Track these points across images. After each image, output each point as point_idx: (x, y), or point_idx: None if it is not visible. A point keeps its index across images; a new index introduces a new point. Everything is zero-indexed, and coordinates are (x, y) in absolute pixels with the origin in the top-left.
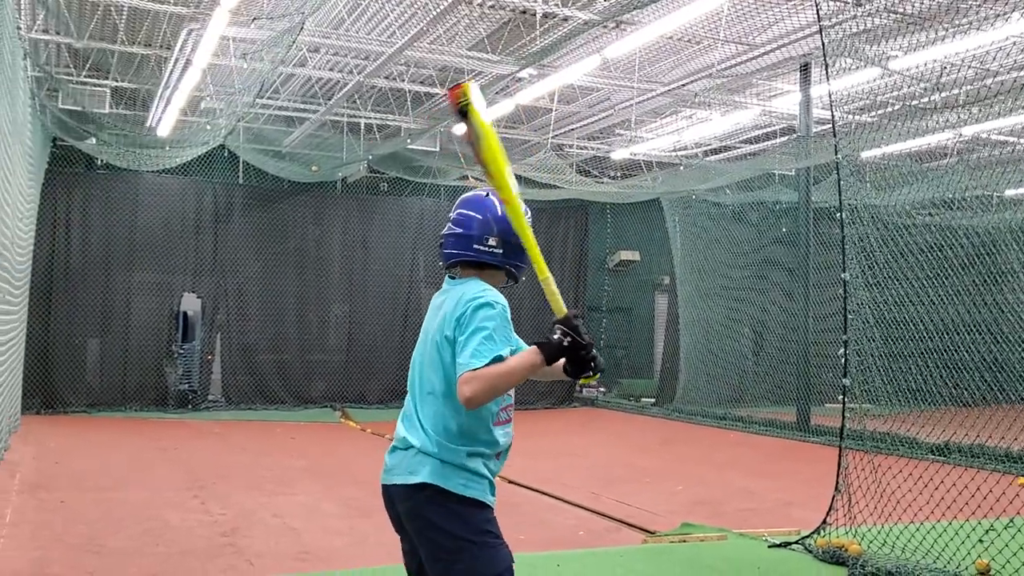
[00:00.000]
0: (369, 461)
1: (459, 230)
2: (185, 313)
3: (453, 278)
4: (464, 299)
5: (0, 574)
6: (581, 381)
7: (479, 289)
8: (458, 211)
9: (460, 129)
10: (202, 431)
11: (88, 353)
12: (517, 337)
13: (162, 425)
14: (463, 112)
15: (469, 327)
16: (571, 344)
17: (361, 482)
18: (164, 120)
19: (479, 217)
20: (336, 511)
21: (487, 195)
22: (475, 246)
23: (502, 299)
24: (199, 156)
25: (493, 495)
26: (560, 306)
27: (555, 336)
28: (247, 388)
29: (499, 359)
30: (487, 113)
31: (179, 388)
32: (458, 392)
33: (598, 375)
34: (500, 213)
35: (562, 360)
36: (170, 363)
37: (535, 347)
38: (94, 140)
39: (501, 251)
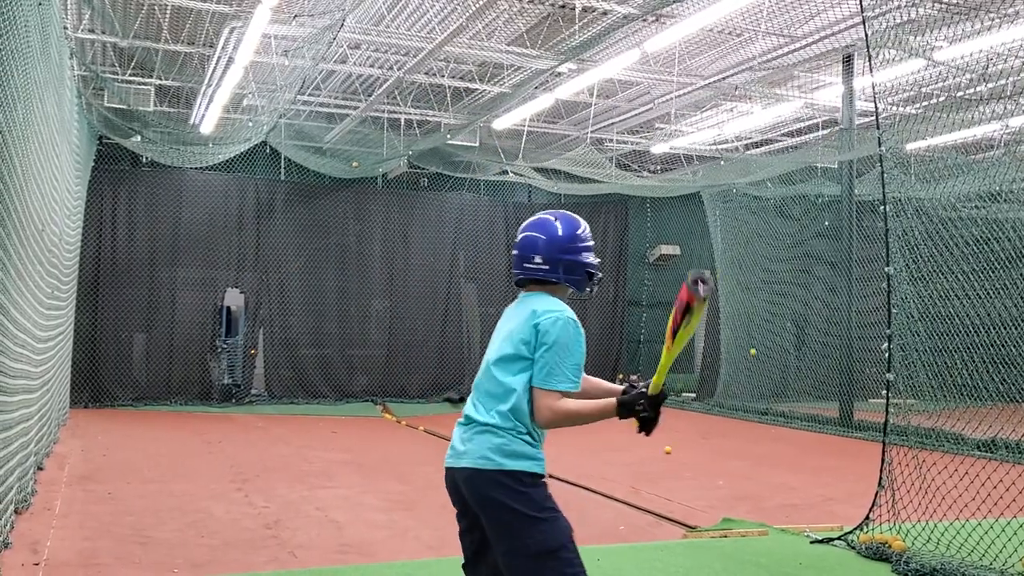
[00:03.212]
0: (410, 455)
1: (516, 251)
2: (228, 308)
3: (524, 293)
4: (539, 311)
5: (50, 564)
6: (636, 430)
7: (552, 304)
8: (519, 234)
9: (507, 142)
10: (245, 425)
11: (134, 348)
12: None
13: (206, 419)
14: (689, 310)
15: (548, 339)
16: (645, 418)
17: (402, 476)
18: (207, 117)
19: (531, 236)
20: (377, 504)
21: (538, 217)
22: (526, 265)
23: (572, 315)
24: (241, 153)
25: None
26: (660, 382)
27: (638, 408)
28: (289, 382)
29: (577, 365)
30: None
31: (223, 382)
32: (538, 413)
33: (644, 433)
34: (550, 233)
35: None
36: (214, 358)
37: (615, 406)
38: (139, 138)
39: (548, 268)
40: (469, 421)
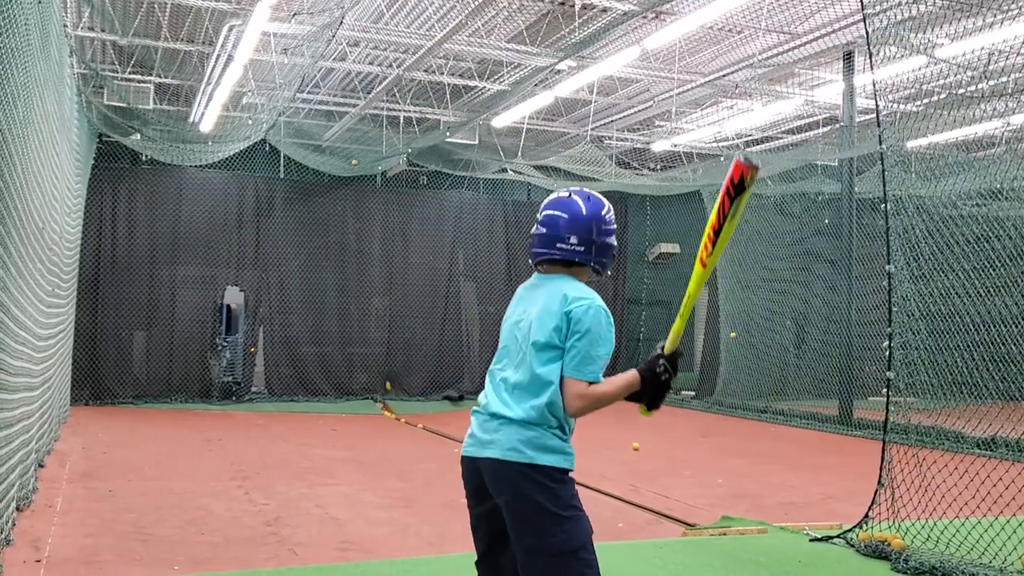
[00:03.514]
0: (409, 453)
1: (544, 230)
2: (228, 306)
3: (542, 274)
4: (571, 297)
5: (52, 561)
6: (641, 412)
7: (583, 290)
8: (544, 212)
9: (506, 139)
10: (246, 422)
11: (134, 346)
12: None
13: (207, 416)
14: (741, 188)
15: (581, 328)
16: (667, 380)
17: (402, 473)
18: (207, 115)
19: (564, 216)
20: (378, 502)
21: (570, 195)
22: (559, 245)
23: (602, 302)
24: (241, 151)
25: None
26: (675, 344)
27: (659, 370)
28: (289, 380)
29: (606, 357)
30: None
31: (223, 380)
32: (568, 402)
33: (652, 413)
34: (583, 213)
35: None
36: (214, 355)
37: (637, 375)
38: (139, 136)
39: (583, 248)
40: (494, 414)
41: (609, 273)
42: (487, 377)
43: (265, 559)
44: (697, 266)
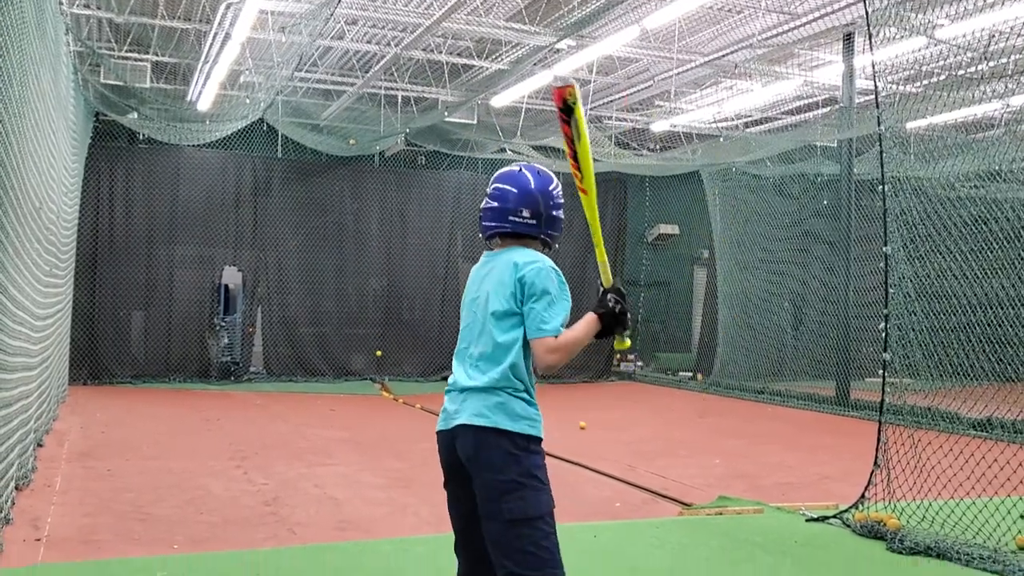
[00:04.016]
0: (407, 433)
1: (495, 204)
2: (226, 286)
3: (491, 251)
4: (520, 263)
5: (51, 540)
6: (617, 346)
7: (532, 255)
8: (494, 186)
9: (506, 120)
10: (244, 402)
11: (132, 325)
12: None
13: (205, 396)
14: (569, 110)
15: (535, 290)
16: (621, 310)
17: (400, 453)
18: (204, 94)
19: (514, 190)
20: (375, 482)
21: (520, 170)
22: (510, 217)
23: (552, 263)
24: (239, 130)
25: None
26: (610, 278)
27: (610, 303)
28: (288, 360)
29: (565, 317)
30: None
31: (221, 360)
32: (539, 361)
33: (628, 342)
34: (532, 187)
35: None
36: (212, 335)
37: (593, 314)
38: (136, 114)
39: (534, 222)
40: (461, 388)
41: (556, 247)
42: (454, 359)
43: (264, 538)
44: (581, 196)
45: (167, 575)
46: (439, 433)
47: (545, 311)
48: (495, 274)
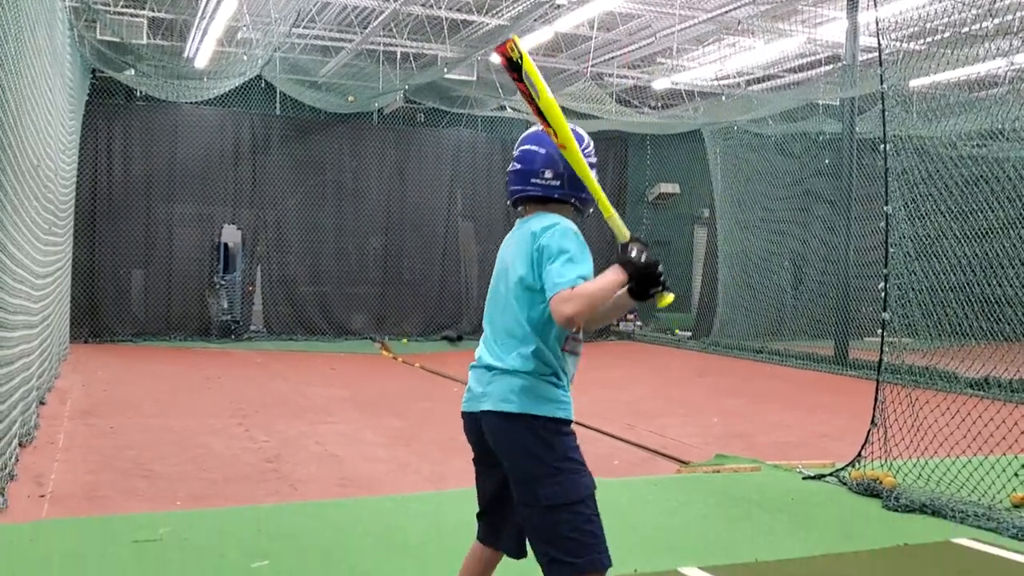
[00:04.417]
0: (407, 392)
1: (519, 166)
2: (226, 244)
3: (521, 218)
4: (538, 230)
5: (55, 496)
6: (659, 303)
7: (551, 220)
8: (519, 148)
9: (505, 76)
10: (245, 361)
11: (132, 284)
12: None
13: (206, 354)
14: (516, 66)
15: (550, 252)
16: (648, 259)
17: (400, 412)
18: (201, 51)
19: (541, 151)
20: (376, 439)
21: (548, 132)
22: (533, 180)
23: (573, 225)
24: (237, 87)
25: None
26: (624, 232)
27: (632, 253)
28: (288, 319)
29: (584, 278)
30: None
31: (221, 319)
32: (556, 313)
33: (670, 296)
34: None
35: (627, 286)
36: (212, 294)
37: (616, 265)
38: (133, 71)
39: (557, 183)
40: (488, 366)
41: (590, 211)
42: (484, 331)
43: (266, 495)
44: (563, 153)
45: (170, 530)
46: (465, 414)
47: (560, 267)
48: (515, 246)
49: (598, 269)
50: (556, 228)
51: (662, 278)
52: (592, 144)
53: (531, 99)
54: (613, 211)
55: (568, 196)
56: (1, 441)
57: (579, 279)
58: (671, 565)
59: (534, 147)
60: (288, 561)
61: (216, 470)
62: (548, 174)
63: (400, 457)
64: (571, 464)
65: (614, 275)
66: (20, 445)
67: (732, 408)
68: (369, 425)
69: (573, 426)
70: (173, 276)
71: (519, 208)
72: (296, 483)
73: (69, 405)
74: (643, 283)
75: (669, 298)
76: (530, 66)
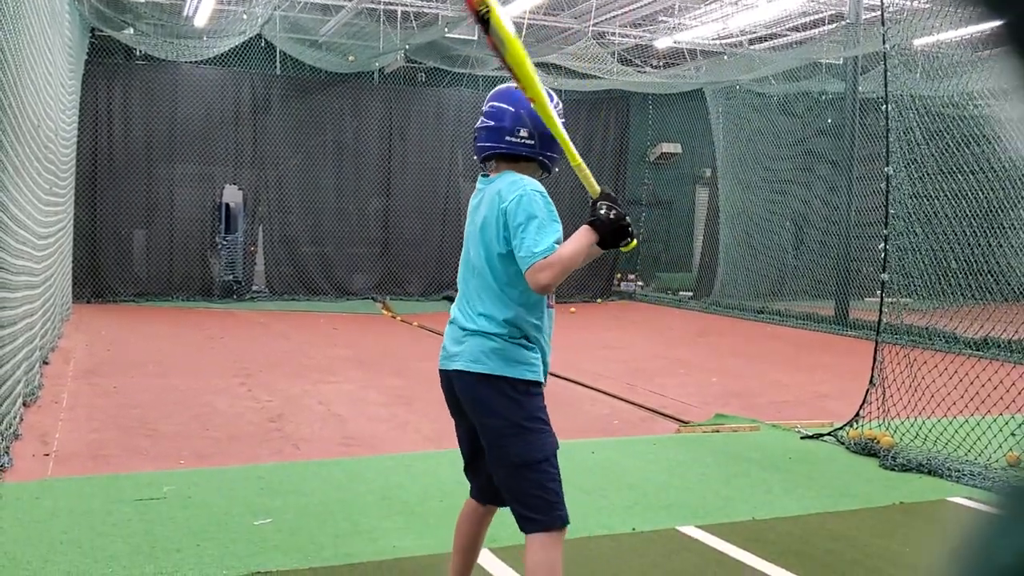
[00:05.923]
0: (408, 351)
1: (491, 123)
2: (227, 205)
3: (486, 175)
4: (504, 194)
5: (60, 455)
6: (623, 250)
7: (516, 182)
8: (490, 103)
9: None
10: (247, 321)
11: (134, 244)
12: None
13: (208, 315)
14: (484, 20)
15: (519, 218)
16: (616, 215)
17: (401, 371)
18: (201, 9)
19: (511, 109)
20: (379, 399)
21: (517, 86)
22: (507, 138)
23: (539, 186)
24: (236, 46)
25: (545, 378)
26: (595, 186)
27: (601, 211)
28: (290, 279)
29: (558, 242)
30: (505, 16)
31: (224, 279)
32: (532, 281)
33: (635, 242)
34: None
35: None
36: (214, 254)
37: (586, 226)
38: (132, 30)
39: (533, 142)
40: (462, 327)
41: (556, 170)
42: (459, 288)
43: (269, 454)
44: (533, 106)
45: (174, 489)
46: (441, 372)
47: (534, 235)
48: (484, 208)
49: (571, 224)
50: (520, 192)
51: (629, 228)
52: (561, 105)
53: (499, 53)
54: (581, 161)
55: (538, 154)
56: (5, 401)
57: (554, 245)
58: (669, 524)
59: (504, 104)
60: (290, 519)
61: (220, 429)
62: (523, 132)
63: (401, 416)
64: (538, 424)
65: (586, 236)
66: (24, 405)
67: (732, 368)
68: (371, 384)
69: (567, 383)
70: (175, 236)
71: (488, 164)
72: (299, 442)
73: (73, 365)
74: (613, 237)
75: (633, 244)
76: (497, 19)
